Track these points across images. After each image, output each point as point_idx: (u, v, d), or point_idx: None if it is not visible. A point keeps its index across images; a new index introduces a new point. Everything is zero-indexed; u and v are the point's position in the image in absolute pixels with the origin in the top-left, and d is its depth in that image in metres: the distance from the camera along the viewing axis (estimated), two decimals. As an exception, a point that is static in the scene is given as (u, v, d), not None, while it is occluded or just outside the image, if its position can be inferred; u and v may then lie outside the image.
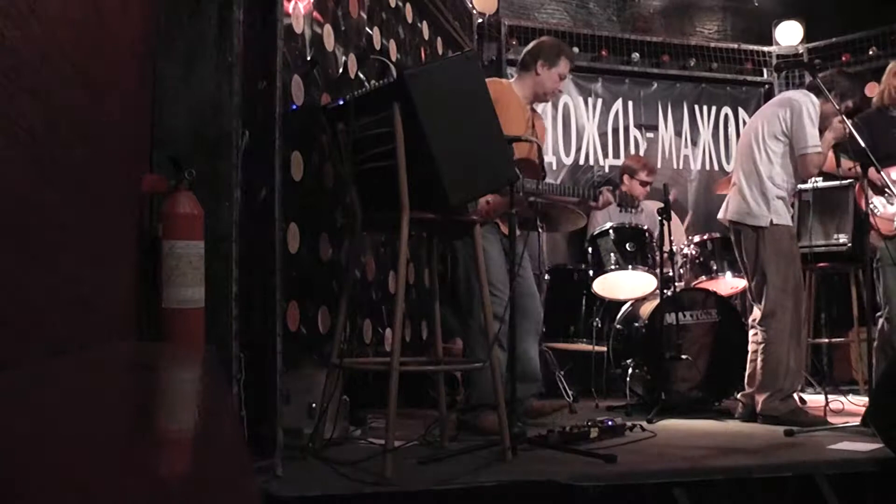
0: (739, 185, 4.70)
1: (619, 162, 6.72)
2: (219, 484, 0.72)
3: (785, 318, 4.49)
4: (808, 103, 4.53)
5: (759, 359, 4.55)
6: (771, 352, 4.50)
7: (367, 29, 4.34)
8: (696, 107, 7.25)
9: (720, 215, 4.85)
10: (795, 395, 4.61)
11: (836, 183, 5.19)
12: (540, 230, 5.22)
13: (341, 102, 3.41)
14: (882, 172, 4.41)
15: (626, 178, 6.22)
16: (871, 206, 4.72)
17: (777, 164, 4.57)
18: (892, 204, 4.78)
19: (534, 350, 4.43)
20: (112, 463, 0.81)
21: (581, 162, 6.85)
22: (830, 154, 4.64)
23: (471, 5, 6.38)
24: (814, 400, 5.09)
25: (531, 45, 4.64)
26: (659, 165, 6.97)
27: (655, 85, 7.19)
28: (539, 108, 6.64)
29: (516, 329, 4.10)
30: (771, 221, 4.53)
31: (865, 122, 4.80)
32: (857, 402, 5.03)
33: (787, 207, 4.62)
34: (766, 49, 7.40)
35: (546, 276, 5.72)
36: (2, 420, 0.99)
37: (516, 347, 4.16)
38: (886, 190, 4.67)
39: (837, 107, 4.46)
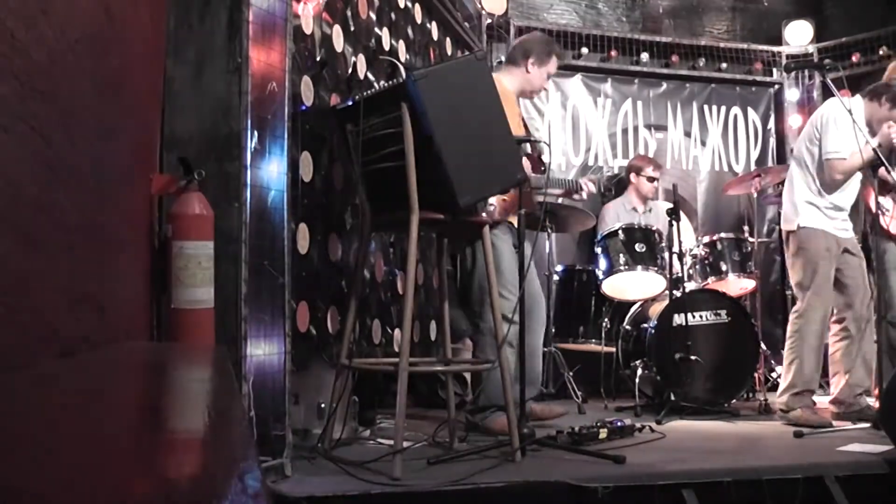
0: (784, 192, 4.80)
1: (628, 163, 6.71)
2: (228, 484, 0.73)
3: (811, 317, 4.53)
4: (837, 110, 4.52)
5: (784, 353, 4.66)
6: (791, 348, 4.58)
7: (377, 29, 4.34)
8: (706, 107, 7.23)
9: None
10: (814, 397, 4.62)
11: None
12: (549, 231, 5.23)
13: (350, 103, 3.42)
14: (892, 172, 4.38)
15: (633, 176, 6.22)
16: (884, 209, 4.70)
17: (811, 172, 4.61)
18: None
19: (538, 352, 4.42)
20: (121, 463, 0.82)
21: (590, 162, 6.84)
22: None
23: (480, 6, 6.38)
24: (822, 402, 5.07)
25: (521, 39, 4.60)
26: (668, 166, 6.95)
27: (665, 85, 7.17)
28: (548, 108, 6.68)
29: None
30: (798, 225, 4.58)
31: None
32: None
33: (824, 214, 4.59)
34: (775, 49, 7.37)
35: (555, 277, 5.73)
36: (13, 420, 1.00)
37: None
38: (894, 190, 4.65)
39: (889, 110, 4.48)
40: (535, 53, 4.39)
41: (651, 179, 6.19)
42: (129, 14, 2.45)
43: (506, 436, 3.39)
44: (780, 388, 4.61)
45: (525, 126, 4.62)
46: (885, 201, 4.82)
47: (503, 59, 6.45)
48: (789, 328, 4.65)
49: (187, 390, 1.57)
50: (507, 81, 4.41)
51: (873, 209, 4.72)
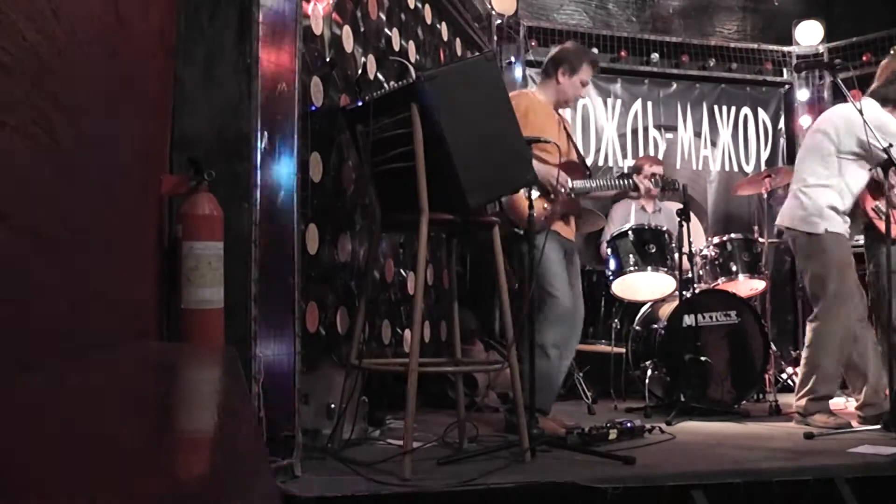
0: (795, 191, 4.67)
1: (639, 163, 6.70)
2: (237, 484, 0.73)
3: (834, 325, 4.45)
4: (870, 109, 4.38)
5: (802, 358, 4.60)
6: (810, 354, 4.52)
7: (387, 30, 4.34)
8: (716, 107, 7.21)
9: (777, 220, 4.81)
10: (832, 402, 4.59)
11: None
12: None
13: (360, 104, 3.42)
14: None
15: (635, 176, 6.21)
16: (875, 206, 4.65)
17: (834, 176, 4.50)
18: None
19: (566, 364, 4.41)
20: (131, 463, 0.82)
21: (600, 163, 6.83)
22: None
23: (490, 6, 6.37)
24: (838, 402, 5.05)
25: (553, 51, 4.59)
26: (678, 166, 6.95)
27: (675, 85, 7.16)
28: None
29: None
30: (826, 230, 4.47)
31: None
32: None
33: (843, 220, 4.51)
34: (785, 49, 7.35)
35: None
36: (23, 419, 1.00)
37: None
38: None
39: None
40: (565, 63, 4.42)
41: (652, 175, 6.17)
42: (138, 15, 2.46)
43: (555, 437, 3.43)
44: (799, 393, 4.53)
45: (570, 137, 4.59)
46: (881, 204, 4.78)
47: (512, 59, 6.47)
48: (808, 334, 4.55)
49: (197, 391, 1.58)
50: (541, 94, 4.49)
51: (870, 213, 4.67)
